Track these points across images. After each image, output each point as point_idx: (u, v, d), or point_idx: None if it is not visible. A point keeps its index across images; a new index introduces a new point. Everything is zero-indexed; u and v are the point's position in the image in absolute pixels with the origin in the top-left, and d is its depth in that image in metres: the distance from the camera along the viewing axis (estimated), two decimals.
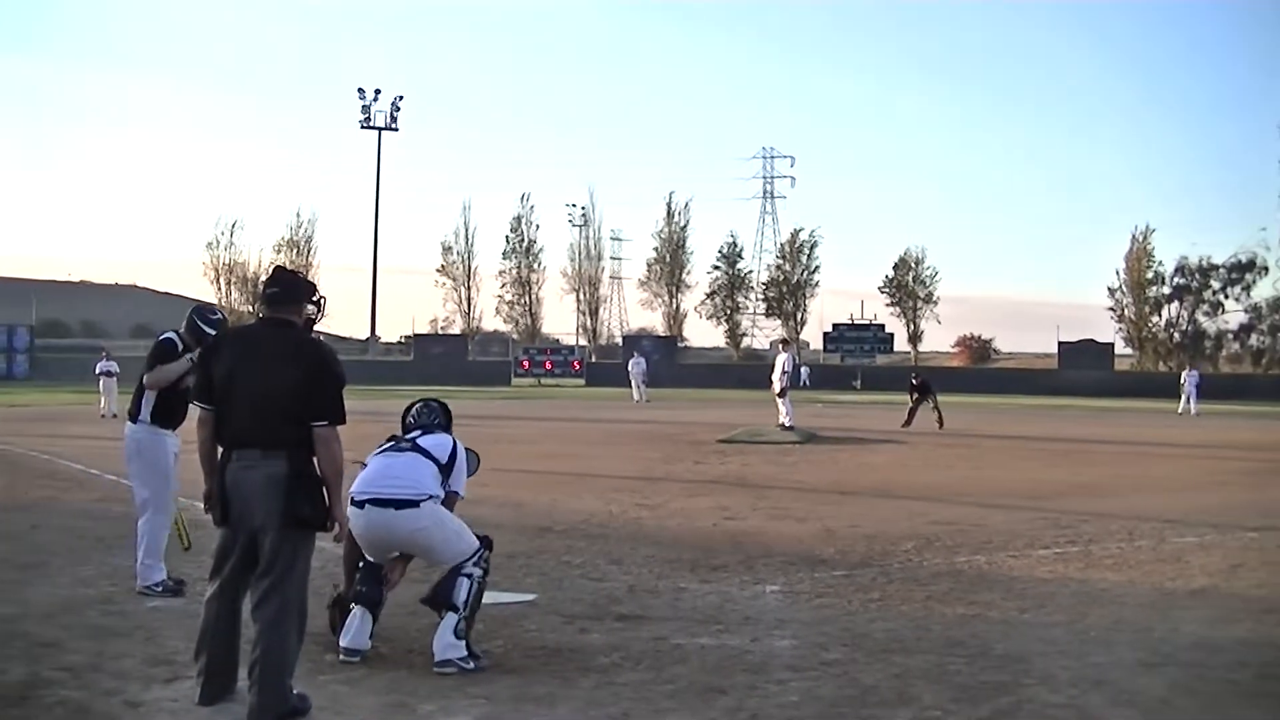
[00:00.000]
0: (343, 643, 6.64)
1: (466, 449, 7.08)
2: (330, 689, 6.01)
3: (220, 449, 5.68)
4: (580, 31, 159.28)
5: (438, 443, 6.90)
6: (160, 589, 8.20)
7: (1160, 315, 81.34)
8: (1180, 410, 41.55)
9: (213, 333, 8.06)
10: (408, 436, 7.02)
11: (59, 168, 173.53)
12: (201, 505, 5.83)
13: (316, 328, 6.76)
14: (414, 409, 7.35)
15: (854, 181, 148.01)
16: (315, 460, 5.61)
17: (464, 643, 6.48)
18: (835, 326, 75.45)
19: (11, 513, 12.62)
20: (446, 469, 6.79)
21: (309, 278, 6.39)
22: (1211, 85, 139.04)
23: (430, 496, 6.59)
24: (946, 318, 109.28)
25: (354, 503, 6.58)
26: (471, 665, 6.42)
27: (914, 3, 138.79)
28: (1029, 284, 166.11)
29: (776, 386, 26.52)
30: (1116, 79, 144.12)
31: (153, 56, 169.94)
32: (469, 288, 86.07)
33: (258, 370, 5.59)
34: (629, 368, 50.03)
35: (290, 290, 5.91)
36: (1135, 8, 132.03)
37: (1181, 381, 44.10)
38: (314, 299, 6.08)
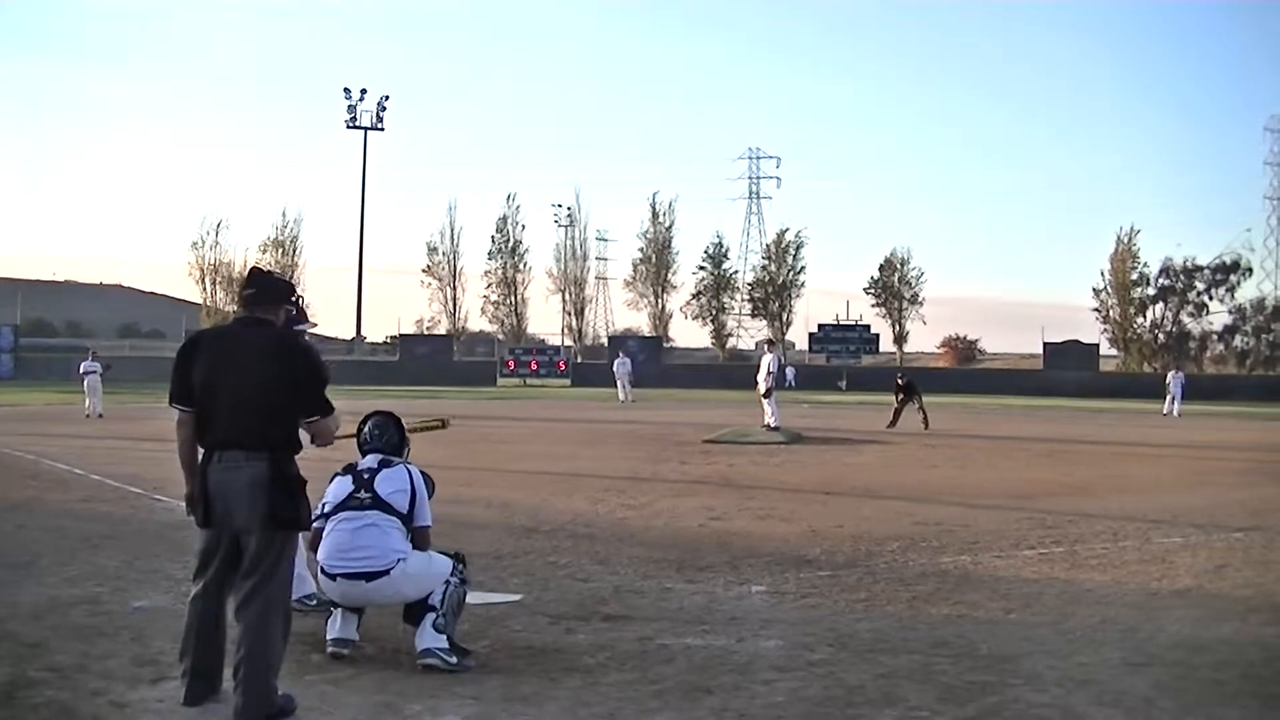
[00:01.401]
0: (330, 635, 6.66)
1: (421, 473, 6.98)
2: (317, 689, 6.00)
3: (201, 450, 5.67)
4: (566, 32, 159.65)
5: (396, 488, 6.74)
6: (314, 603, 7.53)
7: (1145, 316, 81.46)
8: (1165, 411, 41.50)
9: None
10: (364, 468, 6.87)
11: (44, 167, 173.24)
12: (183, 506, 5.81)
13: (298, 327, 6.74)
14: (368, 425, 7.21)
15: (840, 182, 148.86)
16: (297, 460, 5.64)
17: (445, 636, 6.49)
18: (821, 327, 75.43)
19: None
20: (410, 514, 6.72)
21: (287, 278, 6.32)
22: (1198, 86, 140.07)
23: (400, 559, 6.54)
24: (932, 318, 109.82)
25: (325, 573, 6.61)
26: (454, 660, 6.42)
27: (900, 3, 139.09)
28: (1014, 285, 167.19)
29: (762, 387, 26.55)
30: (1103, 80, 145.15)
31: (138, 57, 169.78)
32: (454, 288, 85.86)
33: (237, 371, 5.57)
34: (614, 368, 49.98)
35: (266, 290, 5.90)
36: (1122, 8, 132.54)
37: (1167, 382, 44.05)
38: (292, 299, 6.05)
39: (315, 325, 7.21)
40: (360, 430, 7.22)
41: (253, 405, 5.51)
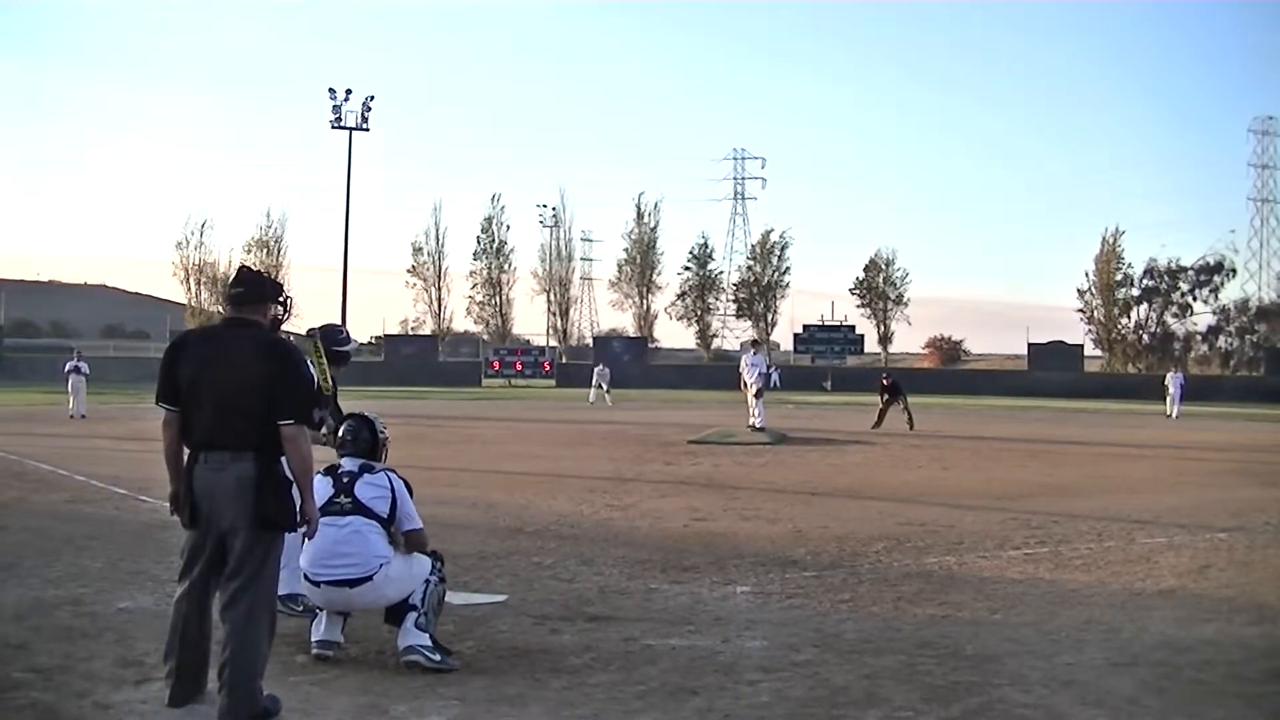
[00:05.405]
0: (315, 637, 6.65)
1: (401, 478, 6.91)
2: (301, 690, 6.00)
3: (187, 450, 5.65)
4: (552, 32, 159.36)
5: (376, 494, 6.72)
6: (299, 608, 7.46)
7: (1129, 317, 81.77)
8: (1168, 413, 41.09)
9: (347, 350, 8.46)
10: (344, 471, 6.83)
11: (28, 168, 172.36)
12: (168, 507, 5.78)
13: (285, 328, 6.73)
14: (343, 429, 7.15)
15: (825, 183, 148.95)
16: (284, 460, 5.60)
17: (428, 635, 6.49)
18: (806, 328, 75.62)
19: None
20: (391, 518, 6.70)
21: (275, 278, 6.31)
22: (1182, 88, 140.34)
23: (383, 563, 6.54)
24: (917, 319, 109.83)
25: (309, 580, 6.60)
26: (437, 657, 6.43)
27: (886, 4, 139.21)
28: (999, 286, 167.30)
29: (753, 388, 26.55)
30: (1088, 81, 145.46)
31: (123, 57, 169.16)
32: (439, 288, 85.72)
33: (223, 371, 5.54)
34: (595, 370, 49.97)
35: (255, 290, 5.87)
36: (1107, 10, 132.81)
37: (1165, 383, 43.92)
38: (280, 299, 6.04)
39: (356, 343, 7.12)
40: (338, 428, 7.21)
41: (238, 406, 5.48)
